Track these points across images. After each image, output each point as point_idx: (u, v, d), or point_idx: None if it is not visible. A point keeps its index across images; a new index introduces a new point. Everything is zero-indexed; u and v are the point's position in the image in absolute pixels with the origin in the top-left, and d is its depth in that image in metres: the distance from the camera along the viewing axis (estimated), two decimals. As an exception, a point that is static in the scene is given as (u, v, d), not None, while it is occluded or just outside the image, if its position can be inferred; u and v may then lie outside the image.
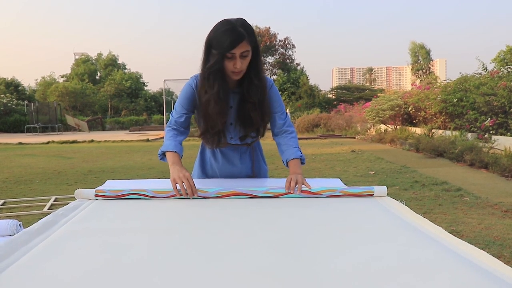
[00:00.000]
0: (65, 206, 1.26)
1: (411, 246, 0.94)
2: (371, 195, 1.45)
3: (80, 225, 1.08)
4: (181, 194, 1.40)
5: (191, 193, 1.40)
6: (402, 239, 0.99)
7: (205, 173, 1.86)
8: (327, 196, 1.44)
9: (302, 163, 1.65)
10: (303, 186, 1.47)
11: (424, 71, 36.44)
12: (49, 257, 0.85)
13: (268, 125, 1.77)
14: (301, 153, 1.65)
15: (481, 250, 0.88)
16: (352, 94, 34.54)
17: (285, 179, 1.53)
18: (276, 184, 1.57)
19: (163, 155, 1.64)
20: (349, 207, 1.32)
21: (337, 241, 0.98)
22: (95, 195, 1.40)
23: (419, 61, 37.80)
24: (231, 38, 1.43)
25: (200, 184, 1.55)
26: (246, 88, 1.59)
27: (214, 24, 1.51)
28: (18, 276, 0.75)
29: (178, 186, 1.42)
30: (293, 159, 1.62)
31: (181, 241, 0.98)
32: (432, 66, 39.13)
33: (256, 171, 1.86)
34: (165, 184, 1.56)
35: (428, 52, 37.58)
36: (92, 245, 0.93)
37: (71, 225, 1.09)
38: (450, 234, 1.01)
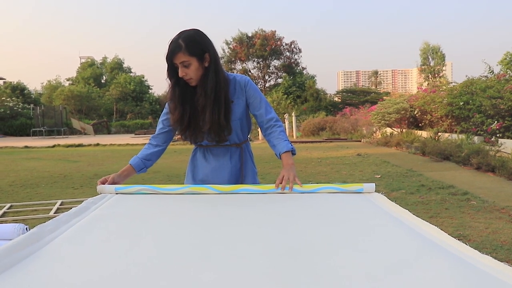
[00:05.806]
0: (94, 197, 1.49)
1: (397, 238, 1.00)
2: (360, 192, 1.51)
3: (107, 211, 1.36)
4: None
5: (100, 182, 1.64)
6: (389, 232, 1.06)
7: (197, 177, 1.89)
8: (318, 193, 1.52)
9: (293, 154, 1.77)
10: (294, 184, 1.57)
11: (433, 74, 35.98)
12: (87, 232, 1.10)
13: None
14: (292, 145, 1.78)
15: (462, 243, 0.92)
16: (358, 97, 34.48)
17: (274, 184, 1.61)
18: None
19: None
20: (339, 203, 1.40)
21: (330, 234, 1.05)
22: (116, 193, 1.60)
23: (428, 63, 37.35)
24: (169, 50, 1.62)
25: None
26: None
27: None
28: (65, 244, 1.01)
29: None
30: (285, 151, 1.74)
31: (178, 221, 1.25)
32: (444, 69, 38.63)
33: (245, 172, 1.90)
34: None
35: (443, 56, 37.00)
36: (116, 224, 1.20)
37: (100, 210, 1.35)
38: (435, 226, 1.04)
